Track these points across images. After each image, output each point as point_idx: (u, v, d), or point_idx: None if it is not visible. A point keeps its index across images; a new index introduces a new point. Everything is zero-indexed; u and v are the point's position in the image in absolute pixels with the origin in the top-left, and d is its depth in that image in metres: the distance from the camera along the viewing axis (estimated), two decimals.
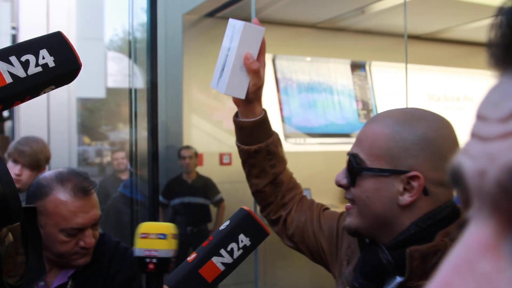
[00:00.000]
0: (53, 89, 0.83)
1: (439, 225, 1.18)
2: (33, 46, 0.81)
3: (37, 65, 0.80)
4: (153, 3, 2.90)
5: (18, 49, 0.81)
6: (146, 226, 1.22)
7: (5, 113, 8.70)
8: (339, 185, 1.30)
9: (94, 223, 1.74)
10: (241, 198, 5.16)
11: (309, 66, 6.24)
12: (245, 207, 1.14)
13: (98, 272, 1.82)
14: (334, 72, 6.41)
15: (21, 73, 0.79)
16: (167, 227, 1.21)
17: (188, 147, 4.94)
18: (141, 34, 4.85)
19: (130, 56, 4.73)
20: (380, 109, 6.64)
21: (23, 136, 3.55)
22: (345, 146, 6.34)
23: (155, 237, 1.19)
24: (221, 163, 5.17)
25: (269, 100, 5.79)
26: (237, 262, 1.06)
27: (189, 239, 5.17)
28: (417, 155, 1.18)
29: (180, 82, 5.17)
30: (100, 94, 7.39)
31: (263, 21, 1.55)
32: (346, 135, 6.36)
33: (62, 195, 1.73)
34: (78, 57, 0.82)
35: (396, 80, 6.56)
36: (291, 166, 6.20)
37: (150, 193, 2.91)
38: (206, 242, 1.07)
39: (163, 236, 1.18)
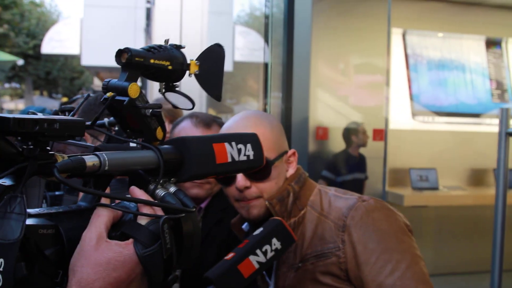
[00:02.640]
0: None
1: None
2: (244, 139, 1.02)
3: (244, 154, 1.00)
4: None
5: (236, 137, 1.00)
6: None
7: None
8: (245, 188, 1.61)
9: None
10: (370, 173, 5.14)
11: (441, 42, 6.01)
12: (277, 218, 1.32)
13: (225, 221, 2.08)
14: (467, 49, 6.12)
15: (236, 156, 0.98)
16: None
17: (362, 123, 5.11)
18: (270, 10, 4.92)
19: (266, 32, 4.83)
20: None
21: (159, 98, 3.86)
22: (475, 126, 6.07)
23: None
24: None
25: (397, 77, 5.67)
26: (269, 262, 1.20)
27: None
28: (283, 138, 1.73)
29: (308, 56, 5.20)
30: (228, 67, 7.62)
31: None
32: (477, 115, 6.09)
33: (186, 123, 2.11)
34: (264, 157, 1.05)
35: None
36: (417, 144, 6.13)
37: None
38: (242, 244, 1.21)
39: None
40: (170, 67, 0.95)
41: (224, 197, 2.15)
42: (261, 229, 1.24)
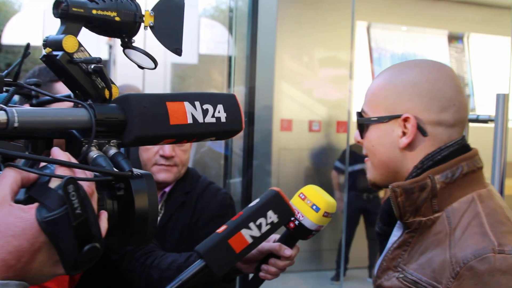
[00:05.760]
0: (212, 140, 0.94)
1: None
2: (214, 99, 0.90)
3: (213, 116, 0.89)
4: None
5: (202, 97, 0.89)
6: (310, 190, 1.37)
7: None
8: (357, 142, 1.42)
9: None
10: (331, 164, 5.17)
11: (405, 36, 6.08)
12: (274, 188, 1.18)
13: (188, 205, 2.08)
14: (430, 43, 6.21)
15: (200, 118, 0.87)
16: (326, 204, 1.35)
17: None
18: (235, 3, 4.90)
19: (230, 25, 4.79)
20: (476, 84, 6.38)
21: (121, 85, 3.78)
22: None
23: (309, 204, 1.35)
24: (310, 129, 5.18)
25: (361, 71, 5.71)
26: (264, 236, 1.10)
27: (365, 205, 5.27)
28: (409, 99, 1.29)
29: (273, 50, 5.19)
30: (193, 60, 7.55)
31: None
32: None
33: None
34: (243, 120, 0.92)
35: (496, 54, 6.26)
36: None
37: (245, 152, 3.01)
38: (236, 216, 1.11)
39: (316, 209, 1.34)
40: (117, 19, 0.86)
41: (187, 181, 2.13)
42: (257, 200, 1.13)
